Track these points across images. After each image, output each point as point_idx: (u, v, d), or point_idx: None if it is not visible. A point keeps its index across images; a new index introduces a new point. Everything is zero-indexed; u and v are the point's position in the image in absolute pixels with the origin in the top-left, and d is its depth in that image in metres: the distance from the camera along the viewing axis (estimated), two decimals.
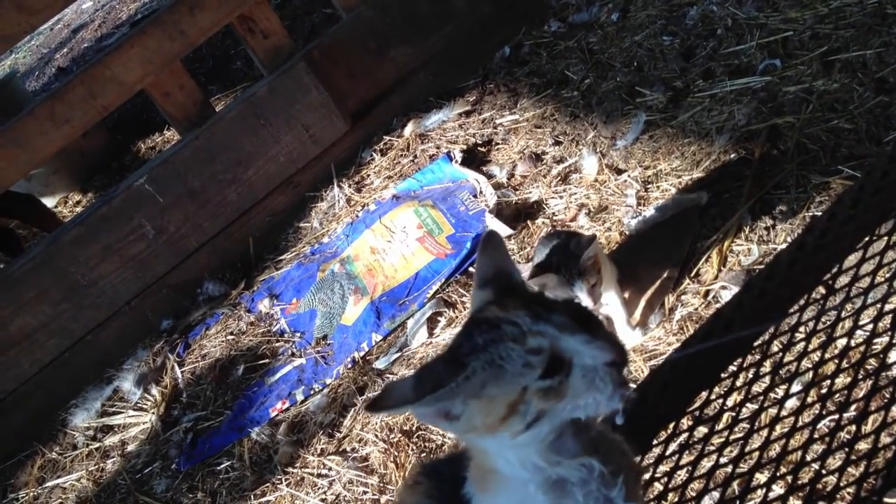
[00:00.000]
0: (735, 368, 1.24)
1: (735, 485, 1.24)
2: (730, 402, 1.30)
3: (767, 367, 1.23)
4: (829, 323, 1.13)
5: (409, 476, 1.18)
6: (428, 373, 0.78)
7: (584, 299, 1.74)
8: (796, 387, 1.27)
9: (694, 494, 1.17)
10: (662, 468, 1.20)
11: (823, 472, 1.23)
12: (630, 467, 0.86)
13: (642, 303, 1.99)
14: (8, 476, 2.57)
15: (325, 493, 2.08)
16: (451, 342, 0.82)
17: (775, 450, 1.23)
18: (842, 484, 1.13)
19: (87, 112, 2.64)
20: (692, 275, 2.00)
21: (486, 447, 0.82)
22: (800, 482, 1.22)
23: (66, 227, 2.69)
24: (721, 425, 1.32)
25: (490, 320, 0.78)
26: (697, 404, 1.23)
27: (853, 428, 1.24)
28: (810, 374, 1.16)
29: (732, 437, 1.24)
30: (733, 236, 2.01)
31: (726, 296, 1.88)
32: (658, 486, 1.25)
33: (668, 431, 1.23)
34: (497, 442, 0.79)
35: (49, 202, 3.84)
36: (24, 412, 2.64)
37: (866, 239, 1.15)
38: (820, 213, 1.75)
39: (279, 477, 2.17)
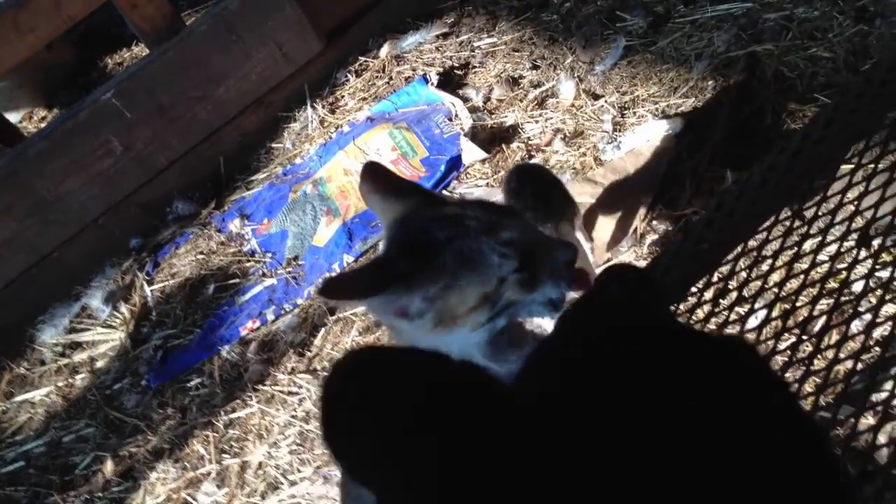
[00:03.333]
0: (701, 286, 1.25)
1: None
2: (694, 319, 1.31)
3: (733, 284, 1.25)
4: (795, 242, 1.14)
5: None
6: (388, 266, 0.78)
7: None
8: (759, 304, 1.29)
9: None
10: None
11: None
12: None
13: (612, 227, 2.00)
14: None
15: (294, 409, 2.10)
16: (397, 239, 0.81)
17: None
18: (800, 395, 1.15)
19: (52, 21, 2.54)
20: (665, 200, 2.00)
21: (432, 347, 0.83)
22: None
23: (32, 141, 2.62)
24: None
25: (449, 217, 0.78)
26: None
27: (810, 346, 1.26)
28: (774, 291, 1.17)
29: None
30: (708, 163, 2.01)
31: None
32: None
33: None
34: (447, 340, 0.80)
35: (13, 117, 3.73)
36: None
37: (838, 159, 1.15)
38: None
39: (249, 394, 2.18)
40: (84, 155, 2.60)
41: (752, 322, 1.16)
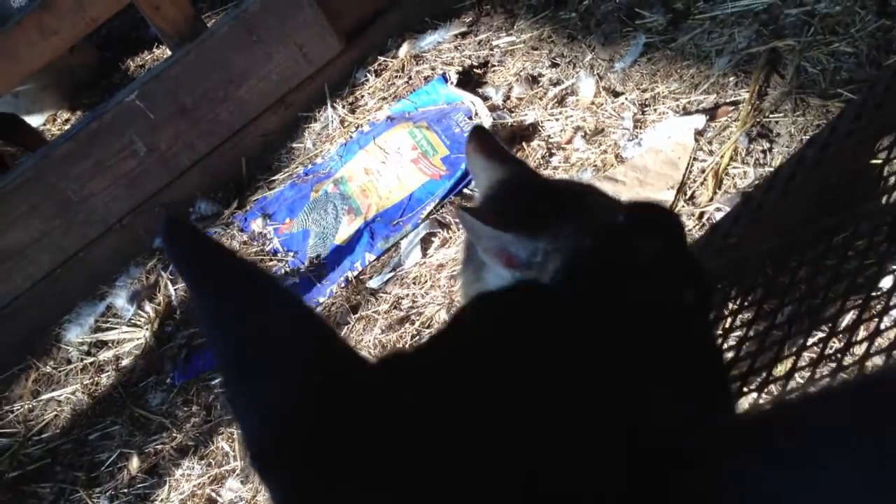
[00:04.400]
0: (728, 282, 1.25)
1: None
2: (721, 315, 1.31)
3: (761, 280, 1.25)
4: (824, 237, 1.14)
5: None
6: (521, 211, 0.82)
7: None
8: (787, 300, 1.29)
9: None
10: None
11: (813, 381, 1.25)
12: None
13: None
14: (2, 389, 2.60)
15: None
16: (512, 197, 0.84)
17: (765, 360, 1.25)
18: None
19: (76, 24, 2.57)
20: (687, 197, 2.00)
21: None
22: (789, 390, 1.25)
23: (57, 142, 2.65)
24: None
25: (572, 190, 0.83)
26: None
27: (839, 343, 1.26)
28: (802, 288, 1.17)
29: (725, 347, 1.26)
30: (730, 159, 2.01)
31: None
32: None
33: None
34: None
35: (37, 120, 3.78)
36: (17, 327, 2.65)
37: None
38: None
39: None
40: (108, 156, 2.63)
41: (780, 318, 1.16)
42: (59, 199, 2.60)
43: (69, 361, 2.58)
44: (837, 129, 1.18)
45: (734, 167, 1.99)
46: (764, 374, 1.20)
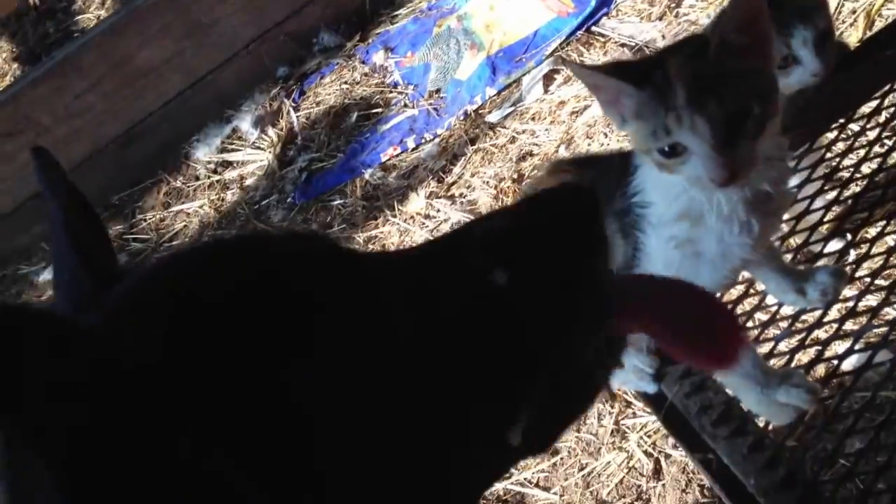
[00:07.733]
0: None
1: None
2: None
3: None
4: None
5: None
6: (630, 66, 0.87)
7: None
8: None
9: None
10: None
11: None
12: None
13: None
14: (136, 200, 2.76)
15: (431, 230, 2.18)
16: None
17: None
18: None
19: None
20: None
21: None
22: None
23: None
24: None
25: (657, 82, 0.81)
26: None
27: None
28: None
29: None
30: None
31: None
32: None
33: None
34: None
35: None
36: (150, 143, 2.78)
37: None
38: None
39: (388, 215, 2.27)
40: None
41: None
42: (190, 20, 2.67)
43: (197, 178, 2.71)
44: None
45: (888, 8, 1.87)
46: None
